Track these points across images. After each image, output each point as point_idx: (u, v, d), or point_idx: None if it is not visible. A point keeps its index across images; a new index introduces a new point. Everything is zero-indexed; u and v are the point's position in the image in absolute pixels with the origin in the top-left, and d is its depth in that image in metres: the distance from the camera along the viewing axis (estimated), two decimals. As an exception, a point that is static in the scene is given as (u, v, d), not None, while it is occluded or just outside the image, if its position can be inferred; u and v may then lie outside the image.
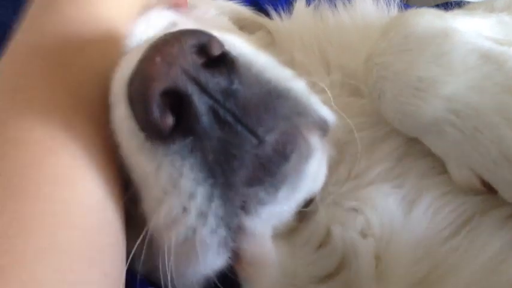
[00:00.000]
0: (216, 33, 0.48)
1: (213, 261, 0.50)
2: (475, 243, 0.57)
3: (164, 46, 0.44)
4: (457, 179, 0.60)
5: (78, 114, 0.52)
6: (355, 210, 0.61)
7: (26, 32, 0.58)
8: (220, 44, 0.47)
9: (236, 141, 0.46)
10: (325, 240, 0.61)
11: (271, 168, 0.48)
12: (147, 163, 0.47)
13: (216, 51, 0.46)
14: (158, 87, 0.43)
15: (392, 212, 0.60)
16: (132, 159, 0.49)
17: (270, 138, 0.48)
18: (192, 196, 0.46)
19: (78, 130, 0.51)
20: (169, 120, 0.44)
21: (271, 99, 0.49)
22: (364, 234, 0.59)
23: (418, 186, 0.61)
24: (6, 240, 0.43)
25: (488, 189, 0.58)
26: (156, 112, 0.43)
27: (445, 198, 0.61)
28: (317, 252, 0.60)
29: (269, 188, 0.49)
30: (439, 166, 0.62)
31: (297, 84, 0.53)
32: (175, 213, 0.47)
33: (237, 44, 0.51)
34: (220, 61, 0.47)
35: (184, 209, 0.46)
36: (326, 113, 0.55)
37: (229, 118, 0.45)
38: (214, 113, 0.45)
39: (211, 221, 0.46)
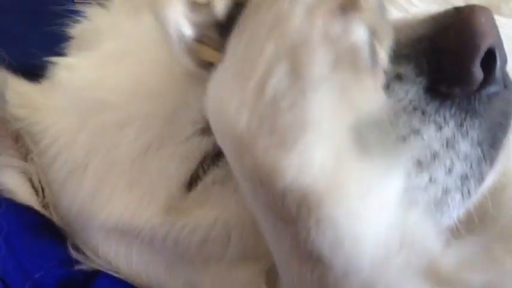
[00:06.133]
0: None
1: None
2: None
3: (484, 10, 0.46)
4: None
5: None
6: None
7: None
8: None
9: (508, 112, 0.47)
10: None
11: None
12: (421, 122, 0.44)
13: None
14: (487, 43, 0.44)
15: None
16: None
17: None
18: (466, 159, 0.45)
19: None
20: (481, 76, 0.44)
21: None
22: None
23: None
24: None
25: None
26: (477, 67, 0.43)
27: None
28: None
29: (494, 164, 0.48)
30: None
31: None
32: (422, 180, 0.44)
33: None
34: None
35: (431, 180, 0.44)
36: None
37: (510, 86, 0.47)
38: (504, 79, 0.47)
39: (458, 196, 0.45)
